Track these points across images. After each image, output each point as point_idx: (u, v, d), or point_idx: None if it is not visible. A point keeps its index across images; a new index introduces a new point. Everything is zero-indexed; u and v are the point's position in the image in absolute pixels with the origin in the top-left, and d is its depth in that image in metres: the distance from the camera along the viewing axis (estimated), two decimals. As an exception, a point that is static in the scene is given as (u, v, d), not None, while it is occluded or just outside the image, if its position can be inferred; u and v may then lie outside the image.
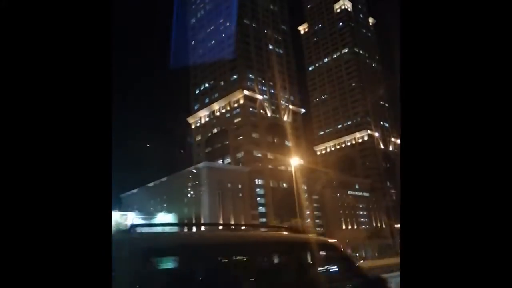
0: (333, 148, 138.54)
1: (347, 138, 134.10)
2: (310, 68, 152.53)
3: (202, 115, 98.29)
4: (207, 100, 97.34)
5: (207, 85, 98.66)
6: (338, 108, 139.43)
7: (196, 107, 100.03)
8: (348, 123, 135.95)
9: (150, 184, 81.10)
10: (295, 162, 57.36)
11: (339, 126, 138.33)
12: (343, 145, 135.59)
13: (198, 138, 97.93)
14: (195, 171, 70.92)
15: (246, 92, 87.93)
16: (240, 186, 74.74)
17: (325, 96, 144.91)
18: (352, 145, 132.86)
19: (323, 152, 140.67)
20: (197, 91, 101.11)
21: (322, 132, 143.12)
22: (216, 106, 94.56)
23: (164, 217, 59.04)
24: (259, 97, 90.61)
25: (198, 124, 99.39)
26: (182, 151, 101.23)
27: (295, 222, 55.67)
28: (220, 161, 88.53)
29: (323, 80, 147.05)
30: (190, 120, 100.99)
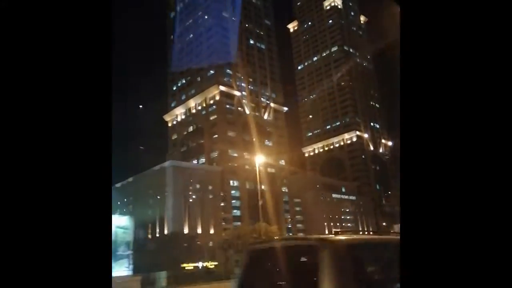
0: (321, 150, 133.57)
1: (335, 139, 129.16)
2: (299, 67, 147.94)
3: (179, 113, 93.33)
4: (183, 97, 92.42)
5: (184, 81, 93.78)
6: (327, 108, 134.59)
7: (173, 105, 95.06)
8: (337, 123, 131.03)
9: (118, 185, 75.91)
10: (260, 161, 52.21)
11: (328, 127, 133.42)
12: (332, 147, 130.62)
13: (174, 137, 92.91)
14: (159, 170, 65.67)
15: (222, 87, 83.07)
16: (210, 187, 69.59)
17: (313, 95, 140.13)
18: (340, 146, 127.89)
19: (311, 153, 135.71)
20: (174, 88, 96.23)
21: (311, 133, 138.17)
22: (192, 103, 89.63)
23: (118, 220, 53.81)
24: (237, 93, 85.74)
25: (174, 122, 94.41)
26: (141, 147, 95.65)
27: (258, 227, 50.56)
28: (195, 161, 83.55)
29: (312, 79, 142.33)
30: (167, 118, 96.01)
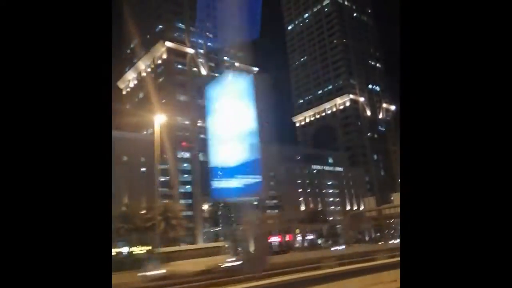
0: (312, 118, 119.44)
1: (327, 105, 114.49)
2: (289, 27, 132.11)
3: (131, 78, 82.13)
4: (135, 60, 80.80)
5: (136, 41, 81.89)
6: (319, 71, 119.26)
7: (126, 69, 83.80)
8: (329, 87, 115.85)
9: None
10: (159, 121, 40.33)
11: (319, 91, 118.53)
12: (323, 114, 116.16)
13: (127, 106, 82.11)
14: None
15: (169, 44, 70.65)
16: (143, 159, 58.69)
17: (304, 58, 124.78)
18: (332, 113, 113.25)
19: (303, 123, 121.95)
20: (128, 50, 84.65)
21: (302, 100, 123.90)
22: (142, 65, 77.97)
23: None
24: (190, 51, 73.12)
25: (128, 89, 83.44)
26: None
27: (157, 205, 38.89)
28: (145, 132, 72.74)
29: (303, 39, 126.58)
30: (121, 85, 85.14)
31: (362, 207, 68.29)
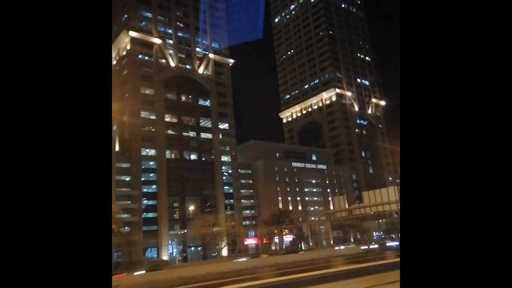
0: (299, 114, 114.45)
1: (314, 100, 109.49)
2: (276, 20, 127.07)
3: (98, 71, 77.37)
4: (102, 52, 76.08)
5: (103, 33, 77.23)
6: (305, 64, 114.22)
7: (95, 63, 79.10)
8: (315, 81, 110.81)
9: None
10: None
11: (305, 86, 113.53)
12: (310, 109, 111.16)
13: (95, 100, 77.50)
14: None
15: (133, 33, 65.89)
16: (98, 157, 53.97)
17: (291, 51, 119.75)
18: (319, 108, 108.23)
19: (289, 119, 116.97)
20: (96, 42, 79.95)
21: (288, 96, 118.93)
22: (108, 58, 73.18)
23: None
24: (157, 41, 68.36)
25: (96, 84, 78.76)
26: None
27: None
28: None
29: (289, 32, 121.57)
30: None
31: (331, 207, 63.82)
